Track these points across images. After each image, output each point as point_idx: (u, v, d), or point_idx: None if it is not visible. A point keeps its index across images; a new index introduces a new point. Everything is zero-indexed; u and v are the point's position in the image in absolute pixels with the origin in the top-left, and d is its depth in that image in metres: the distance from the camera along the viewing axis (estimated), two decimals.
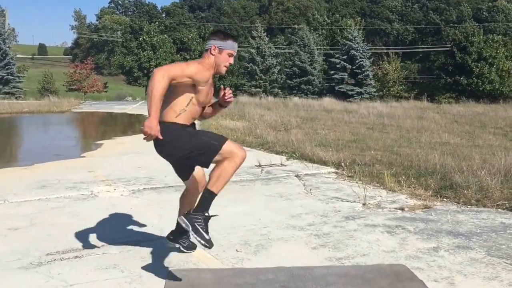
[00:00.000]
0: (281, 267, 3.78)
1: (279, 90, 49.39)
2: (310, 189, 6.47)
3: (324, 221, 5.03)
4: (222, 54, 3.41)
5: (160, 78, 3.16)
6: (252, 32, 50.35)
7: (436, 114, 23.17)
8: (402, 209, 5.48)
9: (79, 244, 4.35)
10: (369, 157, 8.83)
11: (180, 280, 3.53)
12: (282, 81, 50.69)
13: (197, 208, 3.38)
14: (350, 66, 46.95)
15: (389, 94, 49.28)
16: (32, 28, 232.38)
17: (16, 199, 6.05)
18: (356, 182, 6.89)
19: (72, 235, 4.63)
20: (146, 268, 3.80)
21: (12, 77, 43.22)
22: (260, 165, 8.17)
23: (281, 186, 6.75)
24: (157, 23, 55.92)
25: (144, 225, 4.92)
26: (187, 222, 3.27)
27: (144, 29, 45.54)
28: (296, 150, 9.51)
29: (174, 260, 3.97)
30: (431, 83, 52.93)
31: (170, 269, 3.76)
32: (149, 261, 3.97)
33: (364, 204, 5.68)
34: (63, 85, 52.14)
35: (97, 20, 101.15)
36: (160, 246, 4.27)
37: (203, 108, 3.57)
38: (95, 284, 3.49)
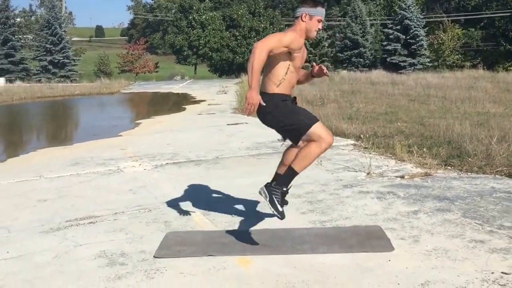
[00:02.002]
0: (266, 229, 4.18)
1: (329, 64, 49.07)
2: (321, 161, 6.79)
3: (323, 189, 5.37)
4: (313, 20, 3.66)
5: (260, 51, 3.40)
6: None
7: (489, 83, 22.53)
8: (402, 177, 5.73)
9: (96, 212, 4.90)
10: (393, 129, 9.03)
11: (174, 240, 3.99)
12: (332, 54, 50.30)
13: (278, 182, 3.76)
14: (404, 37, 46.00)
15: (445, 63, 47.98)
16: (89, 10, 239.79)
17: (51, 175, 6.71)
18: (370, 153, 7.16)
19: (93, 205, 5.19)
20: (148, 231, 4.29)
21: (68, 61, 45.05)
22: (282, 139, 8.51)
23: None
24: (207, 0, 56.36)
25: (157, 196, 5.41)
26: (266, 193, 3.64)
27: (194, 8, 46.21)
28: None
29: (175, 224, 4.44)
30: (495, 51, 50.91)
31: (167, 231, 4.23)
32: (153, 225, 4.45)
33: (368, 173, 5.97)
34: (116, 67, 53.73)
35: (152, 0, 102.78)
36: (165, 213, 4.76)
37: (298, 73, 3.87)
38: (101, 244, 4.01)
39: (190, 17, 45.83)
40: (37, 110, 20.36)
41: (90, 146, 9.14)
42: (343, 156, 7.11)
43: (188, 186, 5.77)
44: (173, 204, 5.05)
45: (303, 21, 3.67)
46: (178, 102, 20.38)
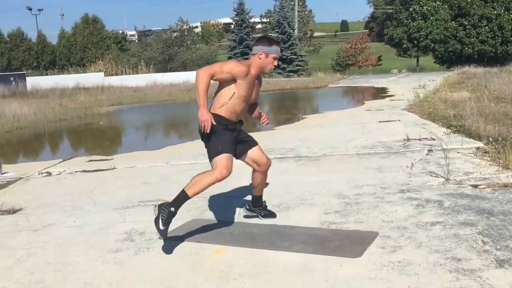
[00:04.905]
0: (270, 225, 4.45)
1: None
2: (413, 164, 6.54)
3: (375, 192, 5.30)
4: (268, 57, 4.10)
5: (202, 75, 3.84)
6: None
7: None
8: (475, 186, 5.28)
9: (167, 197, 5.59)
10: None
11: (190, 225, 4.56)
12: None
13: (171, 202, 3.95)
14: None
15: None
16: (335, 7, 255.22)
17: (176, 162, 7.78)
18: (481, 159, 6.62)
19: (173, 190, 5.90)
20: (183, 216, 4.84)
21: (295, 56, 47.99)
22: (407, 139, 8.29)
23: (393, 160, 6.92)
24: None
25: (228, 186, 5.95)
26: (156, 211, 3.89)
27: None
28: (468, 124, 9.11)
29: (207, 213, 4.99)
30: None
31: (193, 218, 4.81)
32: (192, 212, 5.07)
33: (446, 179, 5.62)
34: (340, 61, 54.83)
35: None
36: (212, 203, 5.32)
37: (249, 104, 4.25)
38: (138, 223, 4.79)
39: (411, 9, 44.47)
40: None
41: None
42: (444, 160, 6.65)
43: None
44: (227, 195, 5.58)
45: (259, 58, 4.08)
46: (365, 97, 20.36)
